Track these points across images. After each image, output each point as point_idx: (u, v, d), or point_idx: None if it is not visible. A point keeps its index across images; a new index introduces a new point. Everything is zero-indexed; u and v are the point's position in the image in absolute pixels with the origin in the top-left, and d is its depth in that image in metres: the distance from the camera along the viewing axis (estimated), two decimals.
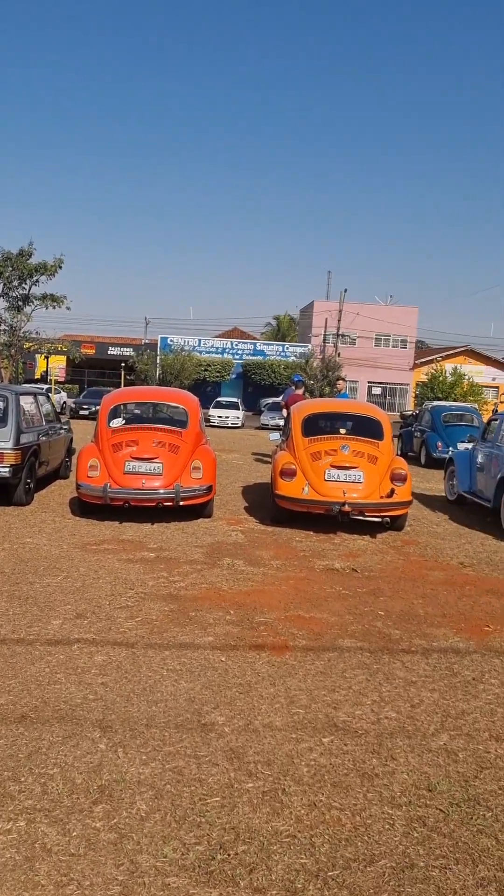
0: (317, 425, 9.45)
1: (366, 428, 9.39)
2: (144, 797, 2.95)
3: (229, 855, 2.60)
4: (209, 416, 29.71)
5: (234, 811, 2.87)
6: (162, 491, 8.40)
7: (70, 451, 11.89)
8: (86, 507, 8.78)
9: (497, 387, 51.56)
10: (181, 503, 8.45)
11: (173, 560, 6.94)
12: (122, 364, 47.82)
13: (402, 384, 54.73)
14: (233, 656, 4.59)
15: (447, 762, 3.37)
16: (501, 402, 13.86)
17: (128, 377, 46.53)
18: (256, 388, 48.53)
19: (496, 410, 35.33)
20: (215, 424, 29.74)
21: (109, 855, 2.58)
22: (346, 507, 8.28)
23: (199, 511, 8.95)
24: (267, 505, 9.63)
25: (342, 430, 9.39)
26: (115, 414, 9.46)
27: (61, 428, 11.27)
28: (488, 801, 3.05)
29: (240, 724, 3.63)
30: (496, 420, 10.66)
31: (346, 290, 49.64)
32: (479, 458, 10.63)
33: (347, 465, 8.63)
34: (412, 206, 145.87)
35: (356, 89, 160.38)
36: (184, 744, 3.40)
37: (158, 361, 44.57)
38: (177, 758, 3.27)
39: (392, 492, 8.55)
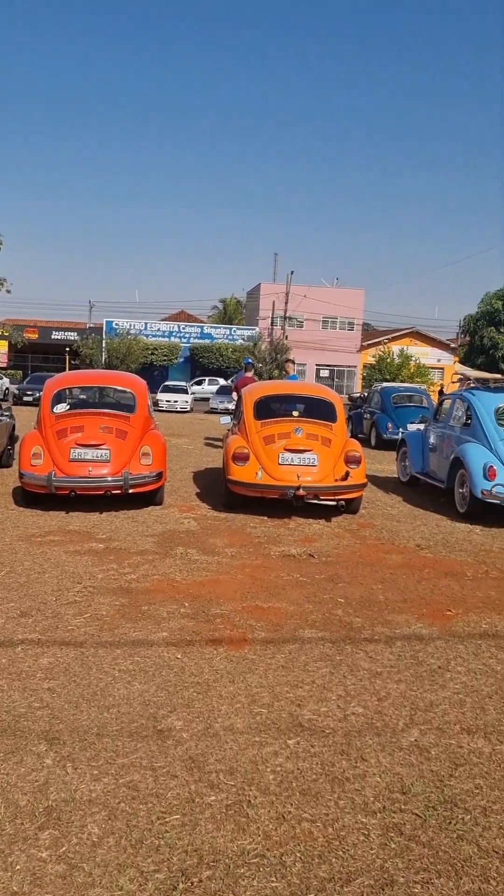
0: (269, 408, 9.22)
1: (318, 410, 9.20)
2: (96, 819, 2.68)
3: (192, 883, 2.35)
4: (157, 400, 29.24)
5: (195, 830, 2.62)
6: (110, 478, 8.06)
7: (13, 439, 11.40)
8: (29, 497, 8.37)
9: (442, 368, 52.21)
10: (130, 491, 8.12)
11: (123, 551, 6.64)
12: (67, 349, 46.81)
13: (349, 366, 54.96)
14: (189, 653, 4.34)
15: (420, 760, 3.19)
16: (452, 383, 13.87)
17: (72, 362, 45.58)
18: (205, 371, 48.11)
19: (442, 391, 35.81)
20: (164, 409, 29.28)
21: (58, 891, 2.30)
22: (301, 492, 8.08)
23: (150, 498, 8.64)
24: (219, 490, 9.38)
25: (295, 413, 9.17)
26: (58, 399, 9.05)
27: (2, 415, 10.79)
28: (465, 803, 2.88)
29: (199, 729, 3.38)
30: (448, 400, 10.60)
31: (292, 273, 49.57)
32: (432, 439, 10.57)
33: (301, 448, 8.43)
34: (357, 188, 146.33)
35: (300, 69, 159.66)
36: (139, 754, 3.14)
37: (104, 346, 43.77)
38: (131, 771, 3.00)
39: (347, 474, 8.39)
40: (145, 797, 2.82)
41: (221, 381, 41.11)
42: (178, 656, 4.28)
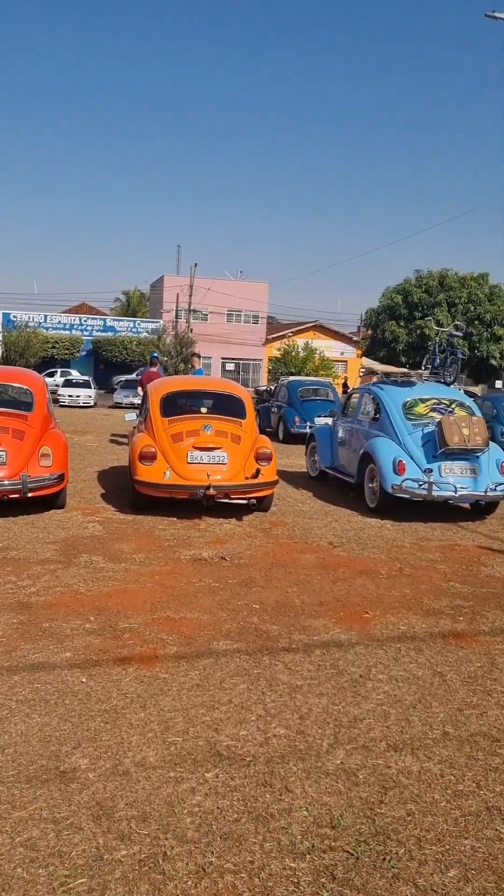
0: (176, 404, 8.90)
1: (227, 406, 8.95)
2: None
3: None
4: (58, 395, 28.22)
5: None
6: (6, 482, 7.52)
7: None
8: None
9: (346, 361, 53.12)
10: (29, 494, 7.61)
11: (22, 560, 6.17)
12: None
13: (255, 360, 55.08)
14: (95, 675, 3.99)
15: (347, 786, 2.98)
16: (359, 376, 13.92)
17: None
18: (108, 365, 47.04)
19: (346, 385, 36.36)
20: (66, 404, 28.30)
21: None
22: (211, 491, 7.81)
23: (51, 502, 8.14)
24: (125, 491, 8.97)
25: (203, 409, 8.89)
26: None
27: None
28: (398, 833, 2.68)
29: (107, 767, 3.05)
30: (356, 395, 10.58)
31: (196, 265, 49.19)
32: (340, 433, 10.53)
33: (210, 445, 8.15)
34: (259, 180, 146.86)
35: (199, 52, 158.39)
36: (38, 804, 2.78)
37: (1, 339, 41.95)
38: (30, 826, 2.65)
39: (257, 472, 8.18)
40: (46, 858, 2.47)
41: (74, 373, 39.75)
42: (84, 680, 3.92)
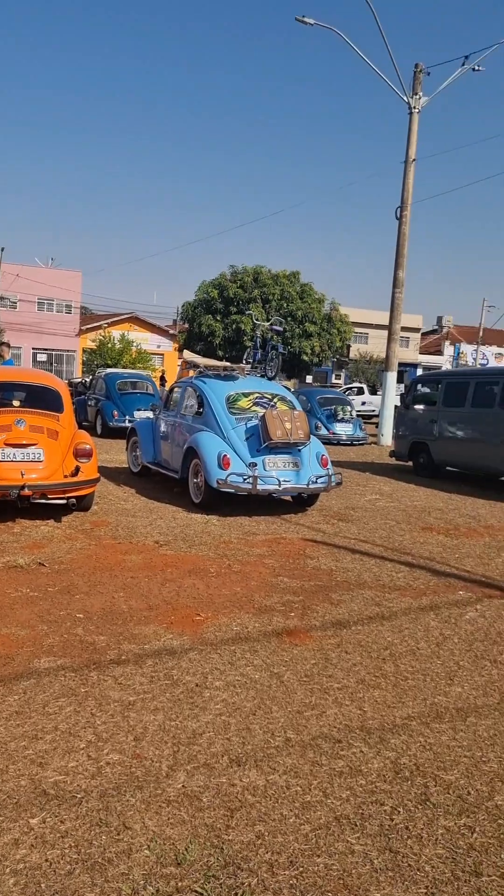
0: None
1: (43, 399, 8.35)
2: None
3: None
4: None
5: None
6: None
7: None
8: None
9: (163, 354, 52.86)
10: None
11: None
12: None
13: (68, 351, 53.19)
14: None
15: (192, 814, 2.74)
16: (180, 368, 13.60)
17: None
18: None
19: (164, 378, 36.11)
20: None
21: None
22: (27, 491, 7.22)
23: None
24: None
25: (16, 402, 8.22)
26: None
27: None
28: (249, 861, 2.49)
29: None
30: (178, 388, 10.36)
31: (2, 249, 46.50)
32: (163, 428, 10.27)
33: (24, 441, 7.54)
34: (71, 165, 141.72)
35: (7, 33, 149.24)
36: None
37: None
38: None
39: (77, 469, 7.70)
40: None
41: None
42: None
